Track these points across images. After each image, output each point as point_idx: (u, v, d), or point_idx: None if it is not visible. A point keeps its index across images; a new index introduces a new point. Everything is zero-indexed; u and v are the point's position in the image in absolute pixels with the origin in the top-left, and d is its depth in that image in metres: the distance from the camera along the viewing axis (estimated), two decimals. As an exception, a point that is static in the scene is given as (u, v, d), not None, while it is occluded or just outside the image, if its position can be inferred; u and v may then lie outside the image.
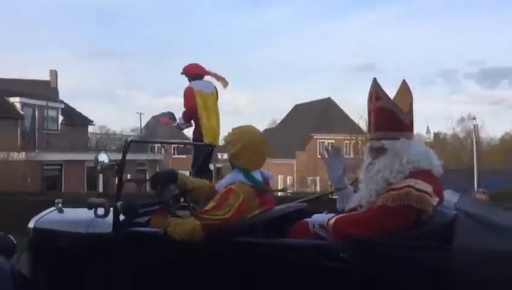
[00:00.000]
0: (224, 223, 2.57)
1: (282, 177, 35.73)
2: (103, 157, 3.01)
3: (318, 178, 32.13)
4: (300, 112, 40.10)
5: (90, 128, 28.38)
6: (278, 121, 49.80)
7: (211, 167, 5.35)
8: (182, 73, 5.39)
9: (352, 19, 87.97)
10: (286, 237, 2.62)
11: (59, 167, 21.35)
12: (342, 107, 40.17)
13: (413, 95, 2.57)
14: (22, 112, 22.52)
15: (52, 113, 24.20)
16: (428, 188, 2.28)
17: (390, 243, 2.24)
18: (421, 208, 2.25)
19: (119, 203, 2.83)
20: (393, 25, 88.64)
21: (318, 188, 30.73)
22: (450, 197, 2.68)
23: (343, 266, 2.28)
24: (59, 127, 24.47)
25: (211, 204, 2.66)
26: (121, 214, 2.86)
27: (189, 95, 5.22)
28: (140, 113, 42.45)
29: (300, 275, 2.36)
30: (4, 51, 78.39)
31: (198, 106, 5.19)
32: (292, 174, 36.28)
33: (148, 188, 9.43)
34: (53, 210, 3.46)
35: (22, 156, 17.90)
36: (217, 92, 5.49)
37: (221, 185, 2.87)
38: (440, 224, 2.23)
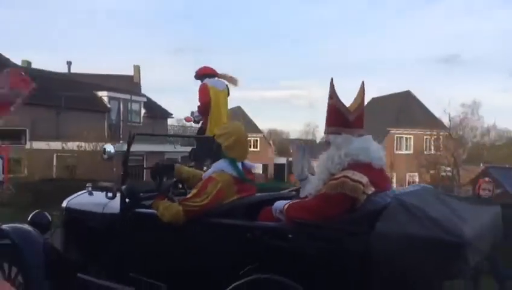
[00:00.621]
0: (202, 209, 2.99)
1: (357, 172, 35.04)
2: (110, 148, 3.54)
3: (394, 175, 31.01)
4: (377, 106, 38.59)
5: (169, 121, 29.85)
6: (354, 115, 48.68)
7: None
8: (196, 77, 5.87)
9: (438, 7, 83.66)
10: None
11: (141, 158, 22.81)
12: (422, 101, 38.23)
13: (365, 96, 2.86)
14: (109, 106, 24.19)
15: (135, 106, 25.77)
16: (363, 178, 2.55)
17: (326, 227, 2.55)
18: (354, 196, 2.52)
19: (123, 188, 3.35)
20: (482, 14, 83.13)
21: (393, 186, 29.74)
22: (413, 188, 2.93)
23: (290, 245, 2.65)
24: (141, 120, 25.98)
25: (193, 191, 3.09)
26: (126, 197, 3.38)
27: (203, 90, 5.68)
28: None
29: (256, 250, 2.74)
30: (93, 48, 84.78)
31: (211, 100, 5.64)
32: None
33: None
34: (84, 192, 4.08)
35: (108, 146, 19.27)
36: (228, 90, 5.92)
37: (207, 173, 3.27)
38: (370, 211, 2.47)
